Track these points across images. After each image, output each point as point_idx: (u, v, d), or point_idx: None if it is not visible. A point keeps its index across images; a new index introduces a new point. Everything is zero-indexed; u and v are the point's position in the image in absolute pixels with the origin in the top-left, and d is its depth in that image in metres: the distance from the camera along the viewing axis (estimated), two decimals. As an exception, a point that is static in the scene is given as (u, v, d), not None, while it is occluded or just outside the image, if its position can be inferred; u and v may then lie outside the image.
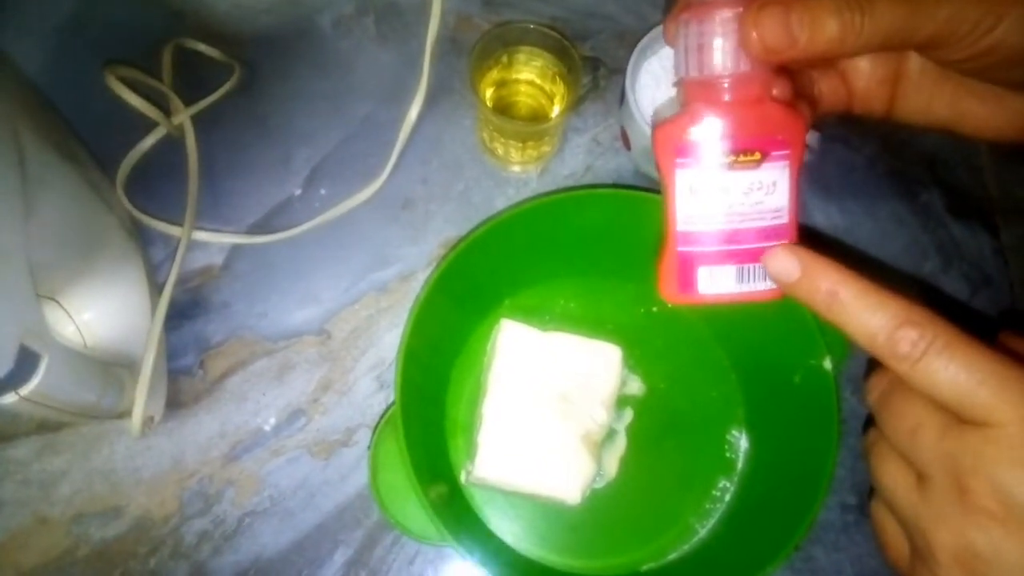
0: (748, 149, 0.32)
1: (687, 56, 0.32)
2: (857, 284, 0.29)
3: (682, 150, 0.32)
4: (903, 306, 0.28)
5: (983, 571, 0.26)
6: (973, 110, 0.35)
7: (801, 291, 0.31)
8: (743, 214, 0.33)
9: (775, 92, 0.32)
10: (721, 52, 0.31)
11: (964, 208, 0.56)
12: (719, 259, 0.33)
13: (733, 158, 0.32)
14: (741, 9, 0.30)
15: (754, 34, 0.30)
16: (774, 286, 0.34)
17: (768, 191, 0.33)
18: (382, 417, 0.44)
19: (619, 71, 0.57)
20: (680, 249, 0.34)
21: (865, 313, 0.29)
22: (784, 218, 0.33)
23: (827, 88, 0.37)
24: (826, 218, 0.56)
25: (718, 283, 0.34)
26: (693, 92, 0.32)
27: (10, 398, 0.33)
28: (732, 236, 0.33)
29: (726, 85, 0.31)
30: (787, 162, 0.32)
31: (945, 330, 0.27)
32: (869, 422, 0.33)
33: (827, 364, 0.44)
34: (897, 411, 0.29)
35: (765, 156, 0.32)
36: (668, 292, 0.34)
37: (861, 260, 0.54)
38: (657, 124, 0.33)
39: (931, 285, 0.55)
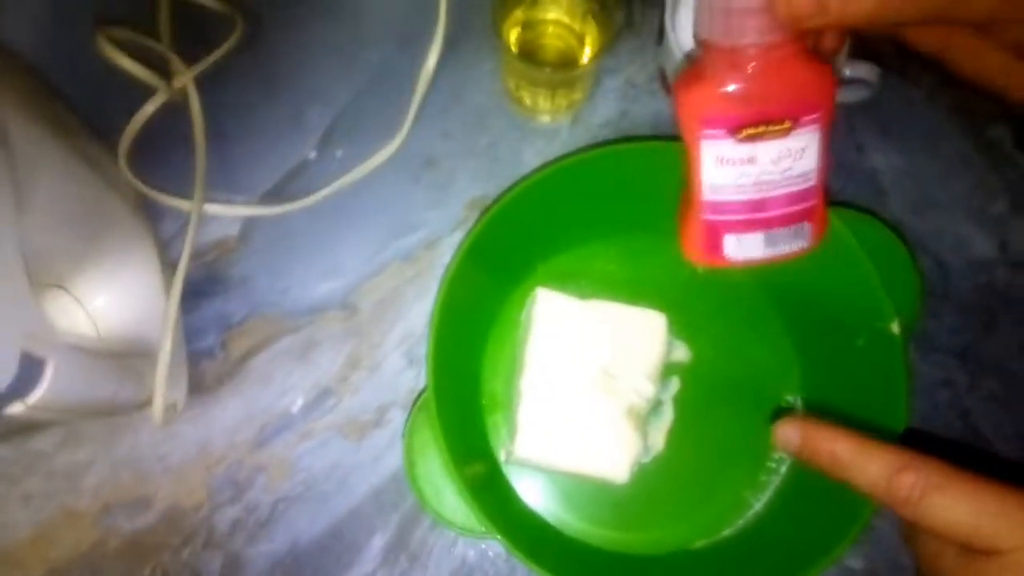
0: (778, 118, 0.30)
1: (711, 17, 0.29)
2: (851, 440, 0.32)
3: (708, 121, 0.31)
4: (896, 454, 0.31)
5: None
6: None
7: (805, 455, 0.34)
8: (771, 182, 0.32)
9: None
10: (750, 19, 0.28)
11: (1037, 142, 0.51)
12: (746, 227, 0.33)
13: (763, 128, 0.30)
14: None
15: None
16: (804, 244, 0.34)
17: (797, 157, 0.31)
18: (415, 403, 0.41)
19: (654, 3, 0.52)
20: (706, 217, 0.33)
21: (864, 466, 0.31)
22: (812, 180, 0.32)
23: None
24: (885, 159, 0.51)
25: (746, 249, 0.33)
26: (717, 57, 0.30)
27: (16, 408, 0.31)
28: (760, 204, 0.32)
29: (753, 52, 0.29)
30: (817, 125, 0.31)
31: (939, 470, 0.29)
32: None
33: (895, 328, 0.40)
34: (919, 534, 0.32)
35: (795, 123, 0.30)
36: (693, 254, 0.35)
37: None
38: (679, 84, 0.32)
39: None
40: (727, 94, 0.30)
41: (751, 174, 0.31)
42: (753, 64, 0.29)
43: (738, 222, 0.33)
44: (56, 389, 0.32)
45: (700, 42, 0.31)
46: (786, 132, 0.30)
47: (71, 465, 0.45)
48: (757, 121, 0.30)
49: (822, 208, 0.34)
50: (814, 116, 0.30)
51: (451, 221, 0.49)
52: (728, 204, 0.32)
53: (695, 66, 0.31)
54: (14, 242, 0.31)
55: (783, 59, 0.29)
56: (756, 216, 0.32)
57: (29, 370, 0.30)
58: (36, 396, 0.31)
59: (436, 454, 0.38)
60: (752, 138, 0.30)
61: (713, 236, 0.33)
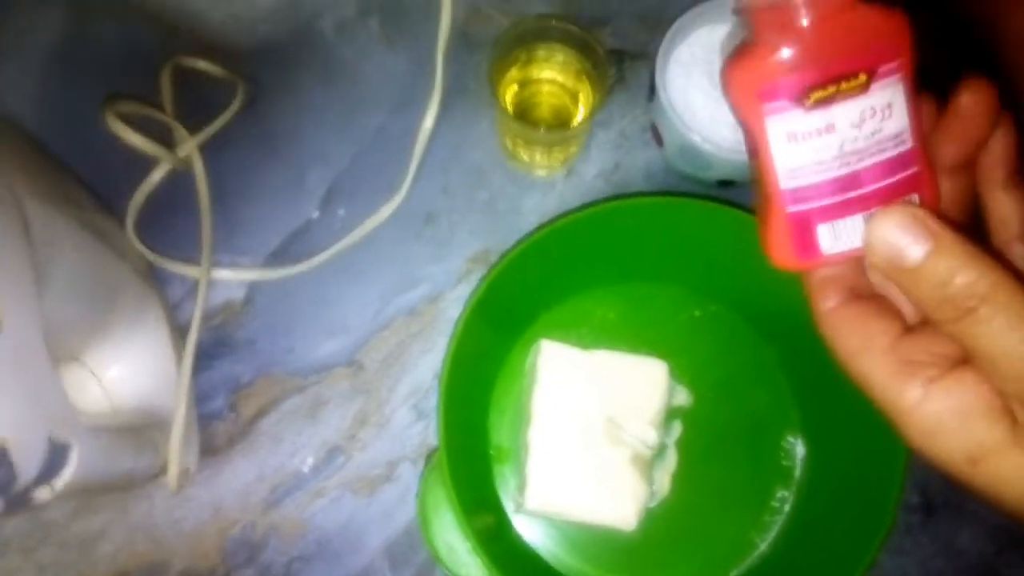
0: (850, 72, 0.26)
1: None
2: (1011, 289, 0.23)
3: (767, 93, 0.26)
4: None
5: None
6: None
7: (923, 280, 0.24)
8: (860, 151, 0.27)
9: None
10: None
11: None
12: (841, 211, 0.27)
13: (834, 87, 0.26)
14: None
15: None
16: None
17: (884, 116, 0.27)
18: (427, 462, 0.42)
19: (642, 56, 0.54)
20: (789, 210, 0.28)
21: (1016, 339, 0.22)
22: (908, 143, 0.27)
23: None
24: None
25: (844, 238, 0.28)
26: (763, 18, 0.26)
27: (43, 493, 0.31)
28: (852, 180, 0.27)
29: (806, 1, 0.25)
30: (899, 75, 0.26)
31: None
32: None
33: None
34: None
35: (872, 75, 0.26)
36: (784, 259, 0.29)
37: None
38: (727, 63, 0.28)
39: None
40: (783, 57, 0.26)
41: (832, 145, 0.26)
42: (808, 16, 0.25)
43: (830, 207, 0.27)
44: (80, 471, 0.33)
45: (742, 11, 0.27)
46: (863, 88, 0.26)
47: (85, 534, 0.46)
48: (825, 80, 0.26)
49: (930, 175, 0.28)
50: (893, 64, 0.26)
51: (453, 275, 0.50)
52: (812, 188, 0.27)
53: (742, 44, 0.28)
54: (39, 329, 0.32)
55: (841, 3, 0.25)
56: (850, 195, 0.27)
57: (56, 456, 0.31)
58: (62, 480, 0.32)
59: (450, 512, 0.39)
60: (824, 102, 0.26)
61: (803, 231, 0.28)
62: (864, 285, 0.28)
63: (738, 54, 0.27)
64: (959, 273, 0.23)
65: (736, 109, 0.28)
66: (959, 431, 0.24)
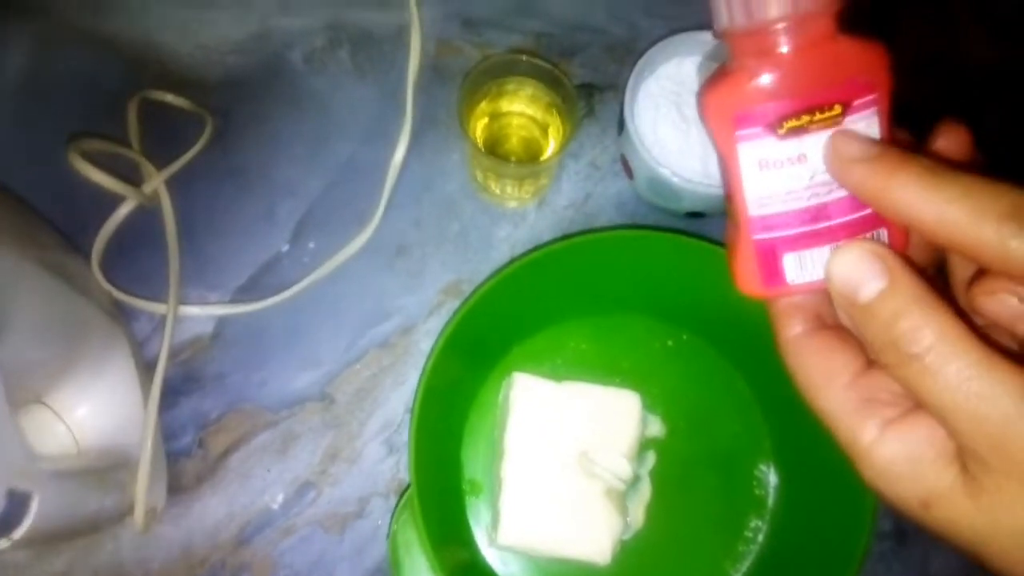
0: (825, 103, 0.26)
1: (730, 1, 0.26)
2: (960, 342, 0.22)
3: (741, 119, 0.26)
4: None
5: None
6: None
7: (872, 319, 0.23)
8: (830, 183, 0.27)
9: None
10: None
11: None
12: (808, 241, 0.27)
13: (808, 118, 0.26)
14: None
15: None
16: None
17: None
18: (399, 501, 0.41)
19: (612, 87, 0.54)
20: (756, 237, 0.27)
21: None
22: None
23: None
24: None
25: (810, 269, 0.28)
26: (743, 44, 0.26)
27: (1, 544, 0.31)
28: (820, 212, 0.27)
29: (785, 28, 0.25)
30: (874, 108, 0.26)
31: None
32: None
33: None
34: None
35: (847, 107, 0.26)
36: (749, 286, 0.28)
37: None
38: (705, 87, 0.28)
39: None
40: (760, 85, 0.26)
41: (803, 176, 0.26)
42: (787, 45, 0.25)
43: (797, 237, 0.27)
44: (42, 519, 0.32)
45: (722, 36, 0.27)
46: (837, 120, 0.26)
47: (48, 575, 0.45)
48: (800, 110, 0.26)
49: None
50: (869, 98, 0.26)
51: (425, 307, 0.50)
52: (781, 216, 0.27)
53: (720, 67, 0.28)
54: (-2, 380, 0.31)
55: (821, 34, 0.25)
56: (818, 227, 0.27)
57: (15, 507, 0.30)
58: (22, 531, 0.31)
59: (422, 553, 0.38)
60: (797, 131, 0.26)
61: (769, 259, 0.28)
62: (830, 313, 0.28)
63: (716, 78, 0.27)
64: (905, 316, 0.22)
65: (710, 133, 0.28)
66: (910, 476, 0.24)
